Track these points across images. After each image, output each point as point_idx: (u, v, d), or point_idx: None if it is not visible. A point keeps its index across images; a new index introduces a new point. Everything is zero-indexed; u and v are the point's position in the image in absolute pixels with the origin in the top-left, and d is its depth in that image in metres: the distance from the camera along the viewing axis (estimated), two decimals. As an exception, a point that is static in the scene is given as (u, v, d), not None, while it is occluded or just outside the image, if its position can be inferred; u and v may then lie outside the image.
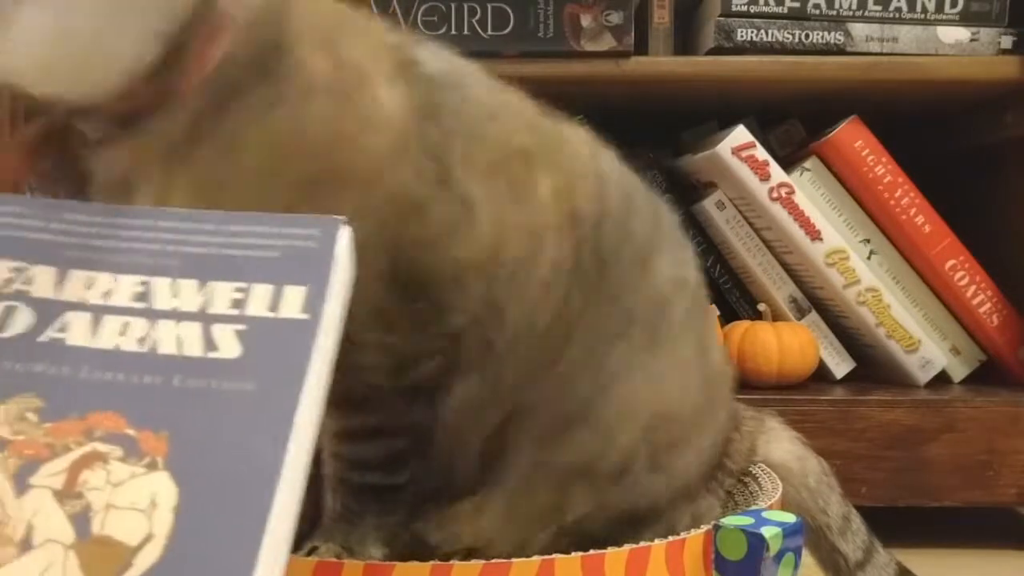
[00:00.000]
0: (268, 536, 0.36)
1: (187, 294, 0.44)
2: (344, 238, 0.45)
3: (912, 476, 1.06)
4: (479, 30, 1.13)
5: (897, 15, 1.20)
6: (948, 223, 1.20)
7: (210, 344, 0.42)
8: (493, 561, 0.56)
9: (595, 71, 1.15)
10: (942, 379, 1.20)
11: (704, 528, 0.61)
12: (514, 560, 0.56)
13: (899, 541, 0.79)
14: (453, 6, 1.13)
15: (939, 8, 1.20)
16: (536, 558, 0.56)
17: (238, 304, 0.43)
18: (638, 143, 1.35)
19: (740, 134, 1.18)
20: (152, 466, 0.38)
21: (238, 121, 0.53)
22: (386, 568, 0.56)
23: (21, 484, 0.38)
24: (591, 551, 0.58)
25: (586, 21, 1.13)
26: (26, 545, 0.37)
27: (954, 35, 1.19)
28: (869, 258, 1.20)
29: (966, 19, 1.20)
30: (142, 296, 0.44)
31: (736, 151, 1.18)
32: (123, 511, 0.37)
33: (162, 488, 0.38)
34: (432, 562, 0.56)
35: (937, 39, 1.19)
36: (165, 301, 0.44)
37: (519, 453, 0.63)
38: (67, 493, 0.38)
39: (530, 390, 0.63)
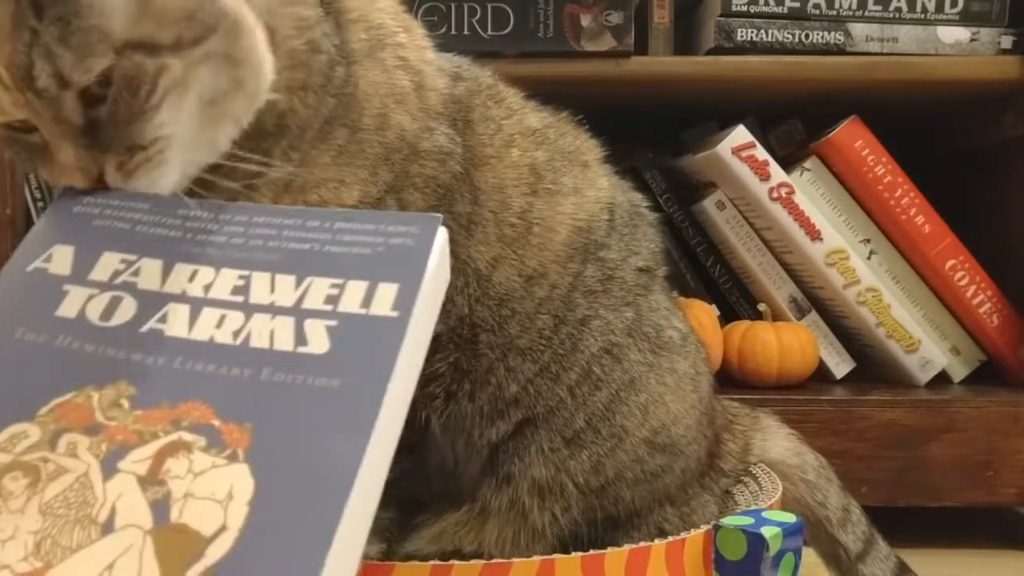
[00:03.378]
0: (339, 538, 0.36)
1: (284, 289, 0.44)
2: (440, 236, 0.45)
3: (912, 476, 1.06)
4: (479, 30, 1.13)
5: (897, 15, 1.20)
6: (948, 223, 1.19)
7: (301, 339, 0.42)
8: (493, 561, 0.56)
9: (595, 71, 1.15)
10: (942, 379, 1.20)
11: (704, 528, 0.61)
12: (514, 560, 0.56)
13: (899, 541, 0.79)
14: (453, 6, 1.13)
15: (939, 8, 1.20)
16: (536, 558, 0.56)
17: (332, 300, 0.43)
18: (638, 143, 1.36)
19: (740, 134, 1.18)
20: (233, 458, 0.39)
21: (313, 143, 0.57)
22: (385, 568, 0.56)
23: (109, 468, 0.39)
24: (591, 551, 0.58)
25: (586, 21, 1.13)
26: (108, 528, 0.37)
27: (954, 35, 1.19)
28: (869, 258, 1.20)
29: (966, 19, 1.20)
30: (241, 289, 0.45)
31: (736, 151, 1.18)
32: (201, 501, 0.38)
33: (240, 481, 0.38)
34: (432, 562, 0.56)
35: (937, 39, 1.19)
36: (262, 295, 0.44)
37: (527, 467, 0.64)
38: (150, 479, 0.39)
39: (540, 400, 0.64)
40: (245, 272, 0.45)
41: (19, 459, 0.40)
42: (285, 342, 0.42)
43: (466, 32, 1.13)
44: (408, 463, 0.65)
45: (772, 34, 1.19)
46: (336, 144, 0.58)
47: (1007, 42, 1.19)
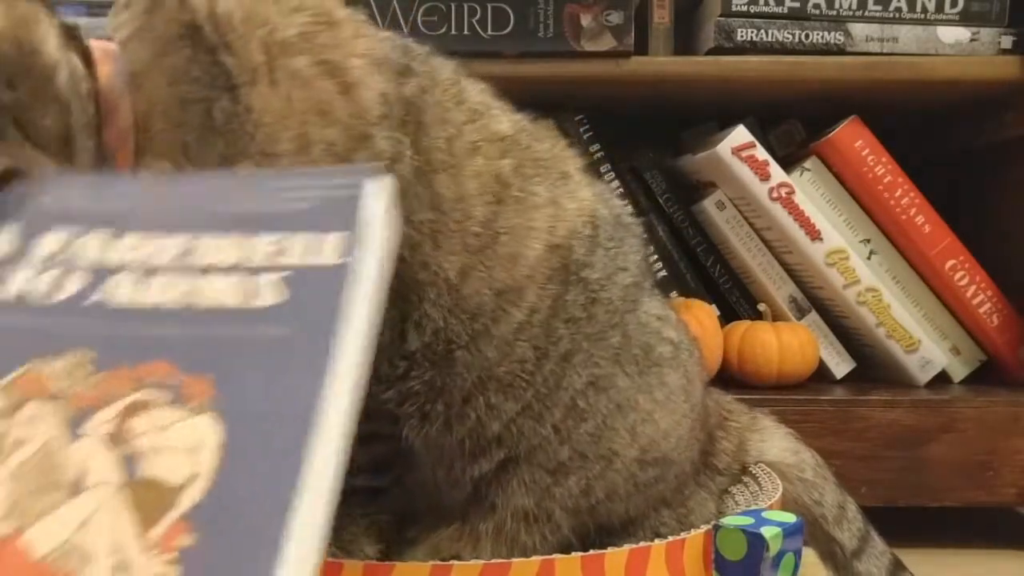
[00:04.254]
0: (309, 472, 0.36)
1: (229, 249, 0.45)
2: (383, 184, 0.46)
3: (912, 476, 1.06)
4: (479, 30, 1.13)
5: (897, 15, 1.20)
6: (948, 223, 1.19)
7: (250, 294, 0.43)
8: (493, 561, 0.56)
9: (595, 71, 1.15)
10: (942, 379, 1.20)
11: (704, 528, 0.61)
12: (514, 560, 0.56)
13: (899, 541, 0.79)
14: (453, 6, 1.13)
15: (939, 8, 1.20)
16: (536, 558, 0.56)
17: (278, 254, 0.44)
18: (638, 143, 1.36)
19: (740, 134, 1.18)
20: (198, 409, 0.40)
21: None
22: (386, 568, 0.56)
23: (74, 432, 0.40)
24: (591, 551, 0.58)
25: (586, 21, 1.13)
26: (76, 490, 0.38)
27: (954, 35, 1.19)
28: (869, 258, 1.20)
29: (966, 19, 1.20)
30: (186, 253, 0.46)
31: (736, 151, 1.18)
32: (169, 453, 0.39)
33: (207, 429, 0.39)
34: (432, 562, 0.56)
35: (937, 39, 1.19)
36: (208, 257, 0.45)
37: (509, 498, 0.63)
38: (117, 439, 0.39)
39: (523, 440, 0.63)
40: (189, 237, 0.46)
41: None
42: (235, 298, 0.43)
43: (466, 32, 1.13)
44: (398, 470, 0.65)
45: (772, 34, 1.19)
46: None
47: (1007, 42, 1.19)
